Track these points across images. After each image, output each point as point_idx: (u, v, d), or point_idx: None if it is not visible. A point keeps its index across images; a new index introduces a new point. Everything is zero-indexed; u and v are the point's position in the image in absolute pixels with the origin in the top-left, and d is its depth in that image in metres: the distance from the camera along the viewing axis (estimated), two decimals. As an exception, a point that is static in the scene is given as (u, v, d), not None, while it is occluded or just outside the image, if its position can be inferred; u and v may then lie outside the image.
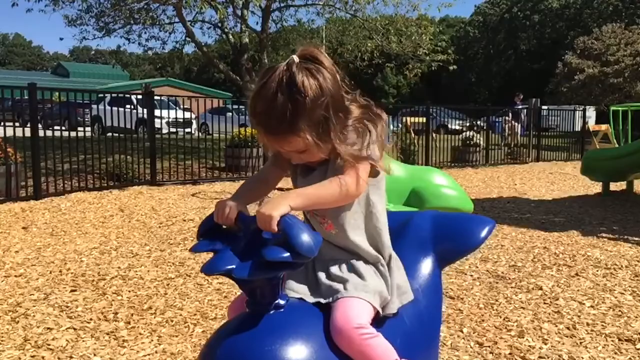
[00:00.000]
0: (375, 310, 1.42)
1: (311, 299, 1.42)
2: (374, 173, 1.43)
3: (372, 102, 1.46)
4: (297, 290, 1.44)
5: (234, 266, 1.25)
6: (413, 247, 1.69)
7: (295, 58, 1.33)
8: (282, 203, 1.26)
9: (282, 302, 1.34)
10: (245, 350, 1.25)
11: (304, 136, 1.32)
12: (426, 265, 1.70)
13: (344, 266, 1.46)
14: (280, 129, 1.31)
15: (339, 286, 1.42)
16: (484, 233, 1.75)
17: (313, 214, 1.49)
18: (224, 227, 1.37)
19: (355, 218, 1.46)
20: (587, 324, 2.92)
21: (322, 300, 1.41)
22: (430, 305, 1.64)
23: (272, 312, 1.33)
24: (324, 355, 1.31)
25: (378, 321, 1.44)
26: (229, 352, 1.27)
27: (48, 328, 2.84)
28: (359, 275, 1.45)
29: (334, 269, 1.46)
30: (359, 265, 1.46)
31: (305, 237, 1.21)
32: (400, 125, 12.04)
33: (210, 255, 1.33)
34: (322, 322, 1.37)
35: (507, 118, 15.36)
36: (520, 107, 16.73)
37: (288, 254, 1.20)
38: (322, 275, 1.46)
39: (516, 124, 14.93)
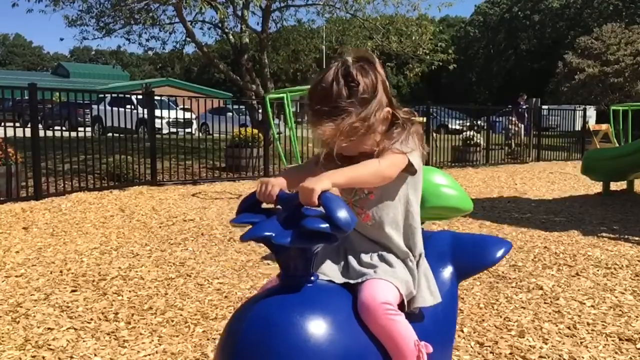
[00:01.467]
0: (401, 298, 1.50)
1: (341, 280, 1.51)
2: (410, 170, 1.54)
3: (411, 110, 1.60)
4: (328, 272, 1.52)
5: (273, 234, 1.30)
6: (433, 258, 1.77)
7: (349, 58, 1.49)
8: (324, 179, 1.35)
9: (312, 278, 1.41)
10: (275, 317, 1.32)
11: (355, 123, 1.44)
12: (444, 275, 1.78)
13: (375, 256, 1.56)
14: (336, 114, 1.44)
15: (369, 270, 1.51)
16: (499, 253, 1.85)
17: (352, 204, 1.58)
18: (263, 207, 1.44)
19: (395, 213, 1.57)
20: (588, 324, 2.92)
21: (351, 281, 1.50)
22: (446, 310, 1.71)
23: (303, 285, 1.39)
24: (349, 328, 1.38)
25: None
26: (259, 316, 1.33)
27: (48, 328, 2.84)
28: (389, 264, 1.54)
29: (365, 257, 1.55)
30: (389, 257, 1.56)
31: (344, 212, 1.28)
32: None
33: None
34: (350, 300, 1.45)
35: (511, 119, 15.32)
36: (524, 107, 16.70)
37: (327, 225, 1.27)
38: (353, 261, 1.55)
39: (521, 124, 14.87)
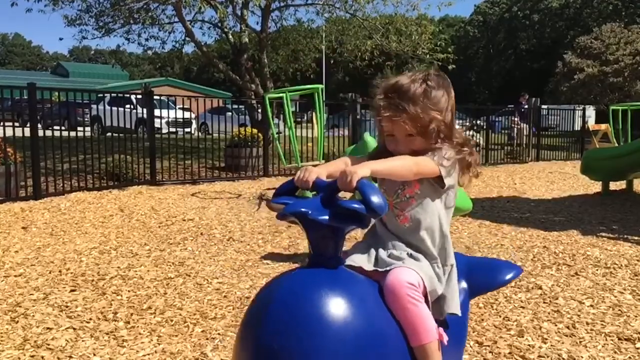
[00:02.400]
0: (424, 291, 1.56)
1: (369, 267, 1.59)
2: (440, 184, 1.63)
3: (470, 139, 1.75)
4: (357, 261, 1.61)
5: (310, 210, 1.38)
6: None
7: (431, 70, 1.66)
8: (365, 166, 1.46)
9: (340, 262, 1.50)
10: (303, 292, 1.37)
11: (423, 118, 1.57)
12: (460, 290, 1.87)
13: (404, 253, 1.62)
14: (409, 104, 1.58)
15: (398, 262, 1.59)
16: (509, 276, 1.97)
17: (393, 205, 1.67)
18: (297, 194, 1.52)
19: (432, 220, 1.66)
20: (587, 323, 2.92)
21: (380, 269, 1.58)
22: (460, 323, 1.79)
23: (330, 266, 1.46)
24: (373, 310, 1.45)
25: None
26: (286, 291, 1.39)
27: (47, 328, 2.84)
28: (416, 260, 1.62)
29: (395, 252, 1.63)
30: (419, 256, 1.64)
31: (378, 197, 1.37)
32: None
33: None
34: (376, 287, 1.52)
35: (514, 119, 15.26)
36: (526, 107, 16.69)
37: (362, 206, 1.36)
38: (383, 254, 1.63)
39: (524, 124, 14.84)
